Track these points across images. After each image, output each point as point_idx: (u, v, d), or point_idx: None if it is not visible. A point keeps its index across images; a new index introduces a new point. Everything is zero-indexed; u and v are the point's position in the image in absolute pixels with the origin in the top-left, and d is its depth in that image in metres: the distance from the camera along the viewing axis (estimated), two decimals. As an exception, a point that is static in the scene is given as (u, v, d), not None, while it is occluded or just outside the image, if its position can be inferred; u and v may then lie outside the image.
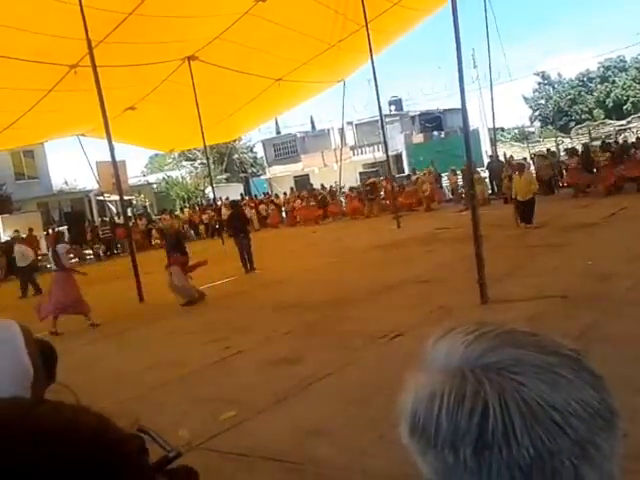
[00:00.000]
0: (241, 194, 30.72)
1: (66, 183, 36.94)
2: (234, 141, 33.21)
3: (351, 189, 24.27)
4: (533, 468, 0.46)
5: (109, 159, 11.72)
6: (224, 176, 38.68)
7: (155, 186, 35.92)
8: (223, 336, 6.78)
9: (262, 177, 39.74)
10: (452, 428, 0.49)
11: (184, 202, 33.41)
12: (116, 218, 25.20)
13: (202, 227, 25.45)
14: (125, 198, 13.44)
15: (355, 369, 5.03)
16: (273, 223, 24.20)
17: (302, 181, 34.71)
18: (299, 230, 21.39)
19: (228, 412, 4.39)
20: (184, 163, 40.69)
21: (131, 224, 20.38)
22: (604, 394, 0.49)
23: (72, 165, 64.37)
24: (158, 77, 18.07)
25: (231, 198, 26.08)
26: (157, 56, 16.12)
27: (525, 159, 20.89)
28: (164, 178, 36.49)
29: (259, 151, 43.76)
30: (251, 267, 12.08)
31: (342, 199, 24.08)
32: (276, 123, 40.02)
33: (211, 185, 23.04)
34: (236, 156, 37.61)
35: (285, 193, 27.26)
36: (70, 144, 58.09)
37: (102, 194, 25.61)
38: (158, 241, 24.08)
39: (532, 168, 20.19)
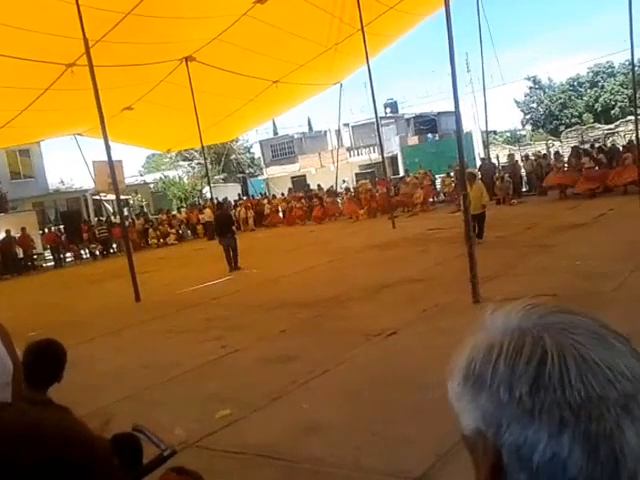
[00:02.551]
0: (239, 194, 30.80)
1: (62, 182, 36.78)
2: (231, 142, 33.22)
3: (346, 190, 24.33)
4: (582, 409, 0.50)
5: (106, 159, 11.73)
6: (221, 176, 38.68)
7: (152, 186, 35.84)
8: (219, 335, 6.81)
9: (259, 177, 39.81)
10: (509, 371, 0.53)
11: (181, 202, 33.38)
12: (112, 218, 25.17)
13: (200, 227, 25.46)
14: (122, 198, 13.46)
15: (350, 367, 5.07)
16: (273, 222, 24.28)
17: (299, 182, 34.78)
18: (297, 230, 21.42)
19: (224, 410, 4.40)
20: (181, 163, 40.69)
21: (128, 224, 20.36)
22: None
23: (68, 164, 64.47)
24: (156, 77, 18.08)
25: (229, 199, 26.15)
26: (155, 56, 16.15)
27: (517, 161, 21.23)
28: (161, 178, 36.45)
29: (256, 152, 43.87)
30: (235, 266, 12.26)
31: (339, 200, 24.15)
32: (273, 124, 40.23)
33: (209, 185, 23.02)
34: (233, 156, 37.59)
35: (283, 194, 27.30)
36: (67, 143, 58.02)
37: (98, 194, 25.61)
38: (155, 241, 24.12)
39: (523, 171, 20.56)
